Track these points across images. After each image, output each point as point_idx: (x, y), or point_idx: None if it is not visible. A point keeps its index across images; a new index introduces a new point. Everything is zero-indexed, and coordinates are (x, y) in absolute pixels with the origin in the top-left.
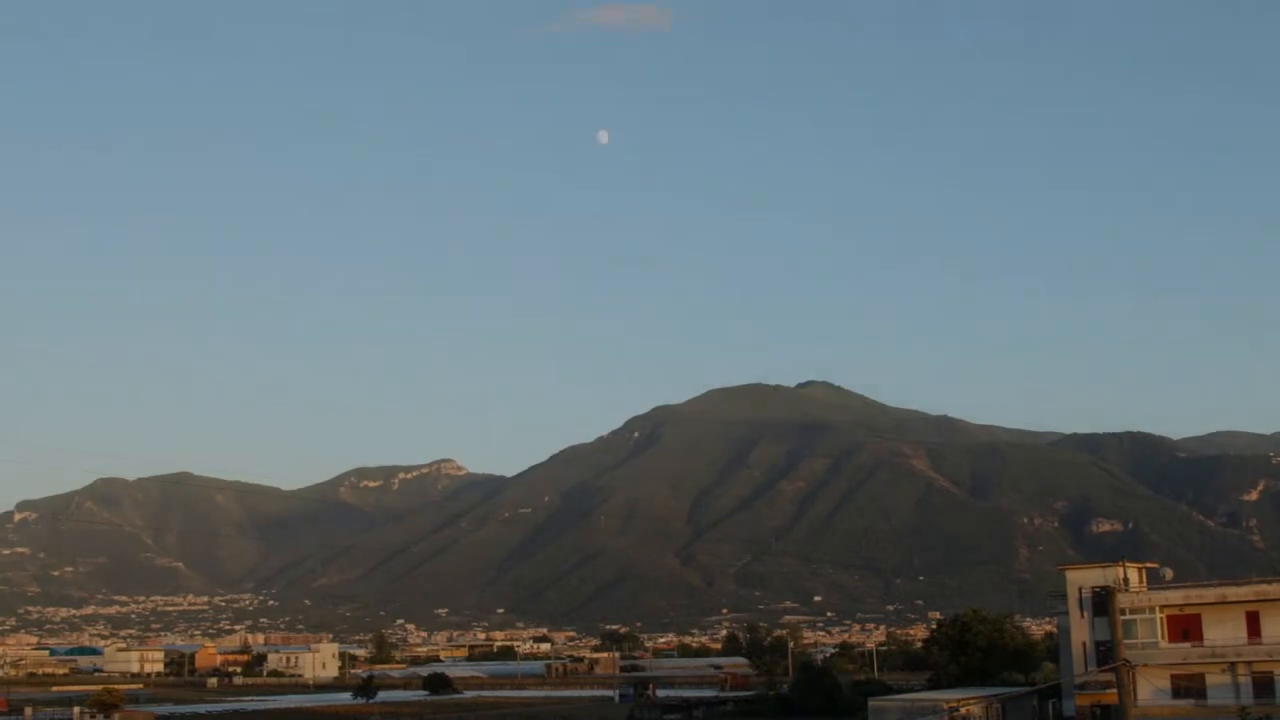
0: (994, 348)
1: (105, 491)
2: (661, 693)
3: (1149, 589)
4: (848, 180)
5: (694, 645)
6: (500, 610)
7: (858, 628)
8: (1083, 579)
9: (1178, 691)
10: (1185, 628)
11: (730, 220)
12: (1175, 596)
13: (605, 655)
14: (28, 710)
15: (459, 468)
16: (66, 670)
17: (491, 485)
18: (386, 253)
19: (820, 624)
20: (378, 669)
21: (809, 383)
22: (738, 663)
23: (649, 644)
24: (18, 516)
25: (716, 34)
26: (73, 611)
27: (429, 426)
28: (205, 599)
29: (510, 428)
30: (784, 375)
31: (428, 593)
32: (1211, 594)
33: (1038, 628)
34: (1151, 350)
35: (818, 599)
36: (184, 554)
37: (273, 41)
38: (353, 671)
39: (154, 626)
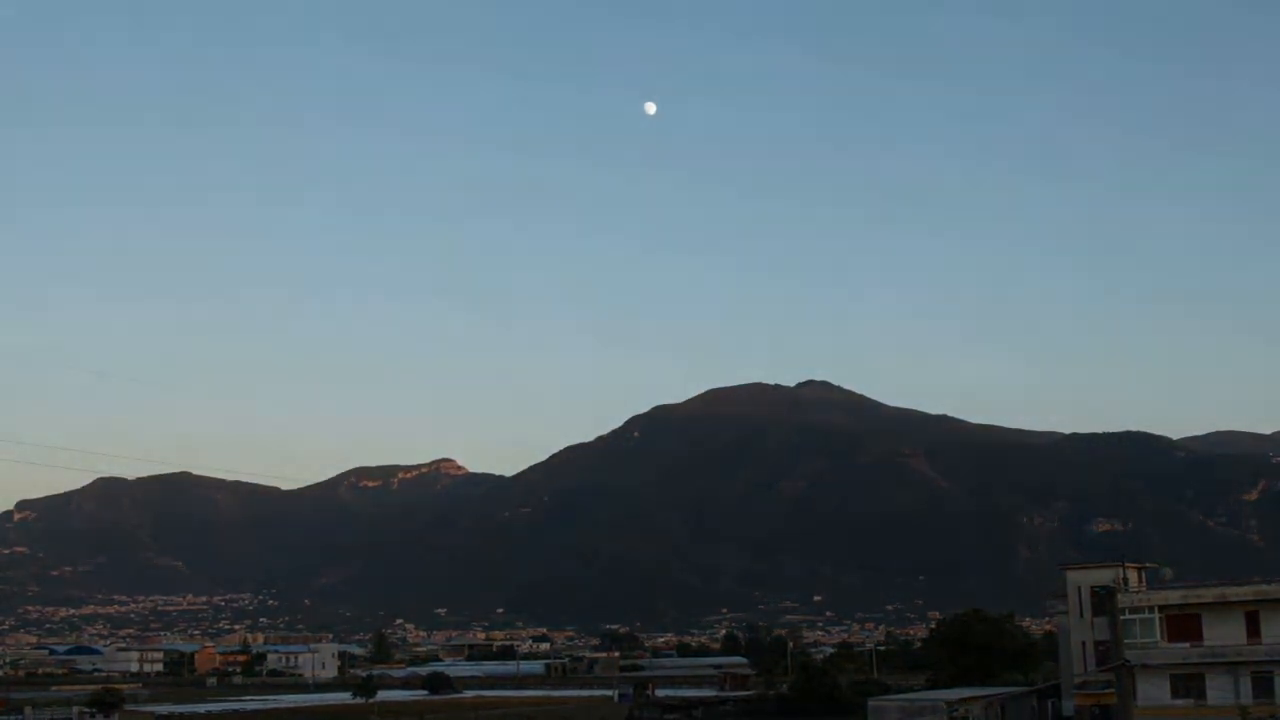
0: (993, 347)
1: (105, 491)
2: (661, 692)
3: (1148, 589)
4: (847, 179)
5: (693, 645)
6: (500, 610)
7: (857, 628)
8: (1082, 579)
9: (1177, 692)
10: (1185, 628)
11: (730, 220)
12: (1175, 596)
13: (605, 655)
14: (27, 709)
15: (459, 468)
16: (65, 670)
17: (491, 485)
18: (386, 252)
19: (820, 624)
20: (377, 669)
21: (808, 382)
22: (737, 663)
23: (648, 644)
24: (18, 516)
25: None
26: (72, 611)
27: (429, 426)
28: (205, 599)
29: (510, 428)
30: (783, 375)
31: (427, 593)
32: (1211, 594)
33: (1038, 628)
34: (1151, 350)
35: (817, 599)
36: (184, 554)
37: (289, 12)
38: (352, 671)
39: (153, 626)
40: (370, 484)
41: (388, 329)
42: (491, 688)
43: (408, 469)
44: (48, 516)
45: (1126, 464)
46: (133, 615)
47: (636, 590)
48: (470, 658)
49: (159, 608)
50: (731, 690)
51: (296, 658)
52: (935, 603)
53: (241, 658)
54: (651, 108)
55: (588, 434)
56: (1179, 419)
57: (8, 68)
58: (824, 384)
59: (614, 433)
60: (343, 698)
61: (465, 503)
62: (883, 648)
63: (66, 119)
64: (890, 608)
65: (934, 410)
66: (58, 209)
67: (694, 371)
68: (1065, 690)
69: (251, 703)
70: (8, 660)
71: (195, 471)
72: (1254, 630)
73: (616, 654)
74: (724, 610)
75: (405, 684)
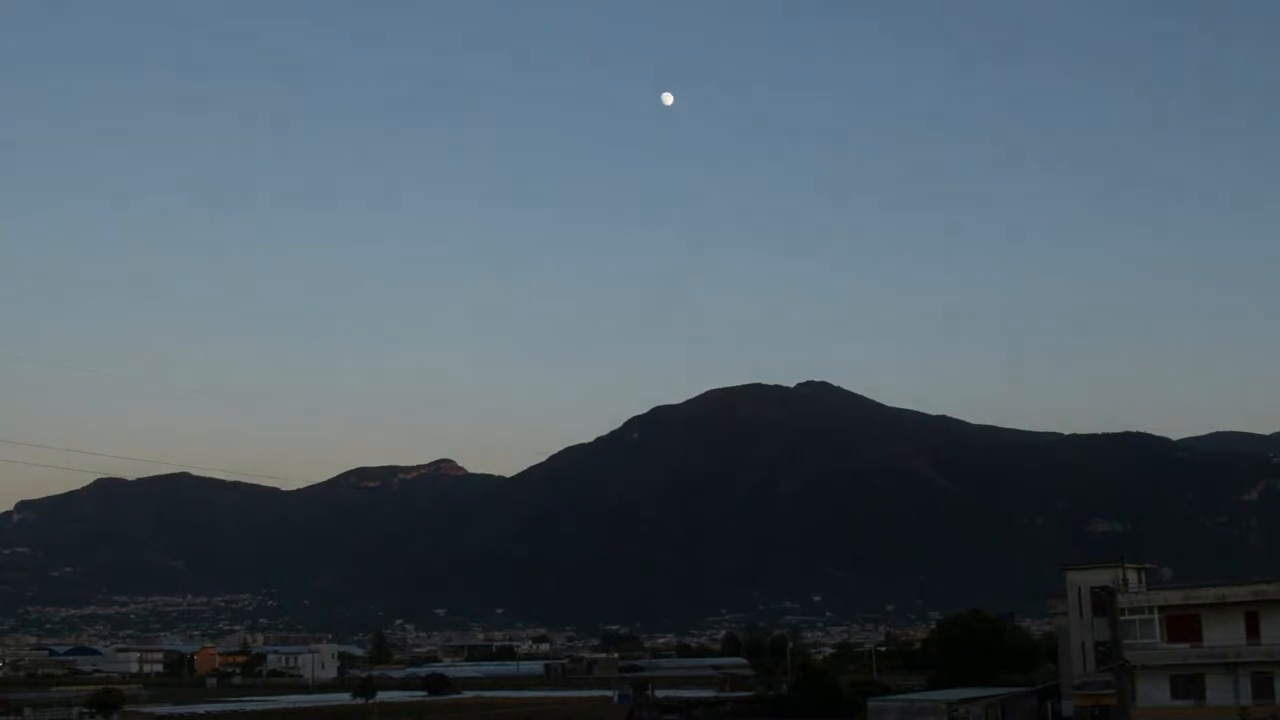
0: (994, 347)
1: (105, 491)
2: (661, 693)
3: (1148, 589)
4: (846, 179)
5: (693, 646)
6: (499, 610)
7: (857, 628)
8: (1082, 579)
9: (1177, 692)
10: (1185, 628)
11: (730, 220)
12: (1174, 597)
13: (604, 656)
14: (27, 710)
15: (459, 468)
16: (65, 671)
17: (491, 485)
18: (386, 251)
19: (819, 624)
20: (377, 669)
21: (808, 382)
22: (737, 663)
23: (648, 644)
24: (17, 516)
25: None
26: (72, 611)
27: (429, 426)
28: (205, 599)
29: (510, 428)
30: (783, 375)
31: (427, 593)
32: (1211, 594)
33: (1037, 628)
34: (1151, 350)
35: (817, 599)
36: (184, 554)
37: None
38: (352, 672)
39: (154, 627)
40: (370, 484)
41: (387, 328)
42: (491, 688)
43: (408, 469)
44: (48, 516)
45: (1126, 464)
46: (133, 616)
47: (636, 590)
48: (470, 658)
49: (159, 608)
50: (731, 691)
51: (296, 658)
52: (935, 603)
53: (241, 658)
54: (669, 98)
55: (588, 434)
56: (1179, 419)
57: None
58: (823, 384)
59: (614, 433)
60: (342, 698)
61: (465, 503)
62: (883, 648)
63: (66, 119)
64: (890, 608)
65: (934, 410)
66: (55, 209)
67: (694, 371)
68: (1065, 691)
69: (251, 703)
70: (8, 661)
71: (195, 471)
72: (1254, 631)
73: (616, 655)
74: (724, 611)
75: (405, 685)
